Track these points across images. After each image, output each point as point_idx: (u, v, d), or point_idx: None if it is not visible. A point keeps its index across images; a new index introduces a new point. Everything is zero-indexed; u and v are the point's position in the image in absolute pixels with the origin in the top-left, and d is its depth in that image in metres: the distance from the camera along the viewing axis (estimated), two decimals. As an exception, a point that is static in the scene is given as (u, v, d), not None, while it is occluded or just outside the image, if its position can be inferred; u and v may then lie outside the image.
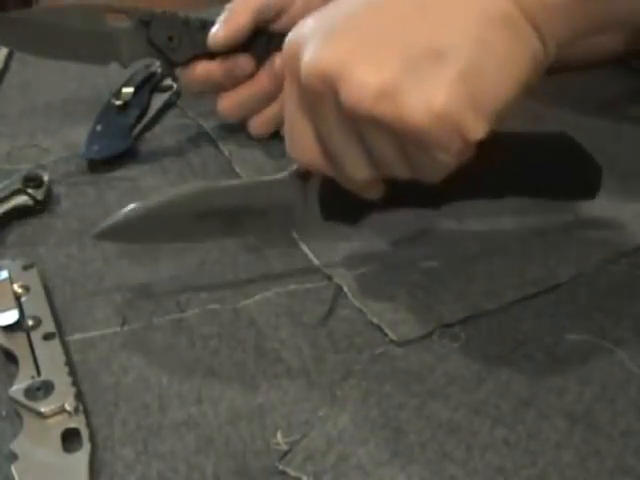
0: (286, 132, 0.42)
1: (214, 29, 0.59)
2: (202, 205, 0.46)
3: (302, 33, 0.39)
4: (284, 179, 0.45)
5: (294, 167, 0.45)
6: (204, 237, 0.49)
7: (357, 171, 0.40)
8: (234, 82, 0.61)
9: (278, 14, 0.60)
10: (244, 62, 0.60)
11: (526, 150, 0.48)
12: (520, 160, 0.47)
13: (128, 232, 0.46)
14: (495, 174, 0.46)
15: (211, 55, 0.59)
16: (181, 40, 0.60)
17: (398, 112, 0.36)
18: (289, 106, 0.41)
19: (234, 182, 0.47)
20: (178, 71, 0.63)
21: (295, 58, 0.39)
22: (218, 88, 0.61)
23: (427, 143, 0.37)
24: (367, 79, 0.36)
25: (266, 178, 0.46)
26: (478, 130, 0.36)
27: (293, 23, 0.60)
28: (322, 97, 0.38)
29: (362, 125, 0.38)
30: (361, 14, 0.38)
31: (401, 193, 0.43)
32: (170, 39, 0.60)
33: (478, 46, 0.36)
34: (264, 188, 0.46)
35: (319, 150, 0.41)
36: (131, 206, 0.46)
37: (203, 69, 0.60)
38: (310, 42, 0.38)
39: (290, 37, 0.40)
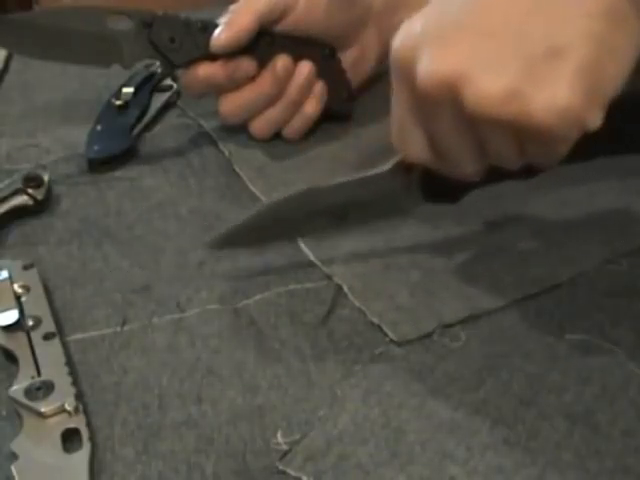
0: (394, 130, 0.43)
1: (217, 32, 0.59)
2: (311, 205, 0.48)
3: (412, 39, 0.40)
4: (388, 172, 0.46)
5: (396, 159, 0.45)
6: (311, 233, 0.51)
7: (469, 165, 0.42)
8: (236, 84, 0.61)
9: (281, 16, 0.60)
10: (246, 64, 0.60)
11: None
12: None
13: (241, 238, 0.49)
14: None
15: (213, 57, 0.59)
16: (183, 42, 0.59)
17: (524, 113, 0.37)
18: (399, 109, 0.42)
19: (341, 180, 0.48)
20: (179, 73, 0.63)
21: (407, 65, 0.40)
22: (219, 90, 0.61)
23: (550, 138, 0.38)
24: (491, 85, 0.37)
25: (370, 173, 0.47)
26: (596, 119, 0.38)
27: (296, 25, 0.60)
28: (440, 103, 0.39)
29: (483, 126, 0.39)
30: (472, 16, 0.39)
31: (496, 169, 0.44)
32: (172, 41, 0.60)
33: (592, 39, 0.37)
34: (369, 183, 0.47)
35: (429, 148, 0.42)
36: (243, 215, 0.49)
37: (205, 71, 0.60)
38: (424, 49, 0.39)
39: (399, 43, 0.40)
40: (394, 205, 0.48)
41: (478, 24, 0.39)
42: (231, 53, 0.59)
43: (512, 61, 0.37)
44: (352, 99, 0.65)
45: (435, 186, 0.46)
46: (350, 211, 0.48)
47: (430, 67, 0.38)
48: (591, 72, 0.37)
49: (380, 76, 0.65)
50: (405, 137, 0.42)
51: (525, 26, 0.38)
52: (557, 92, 0.37)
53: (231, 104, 0.61)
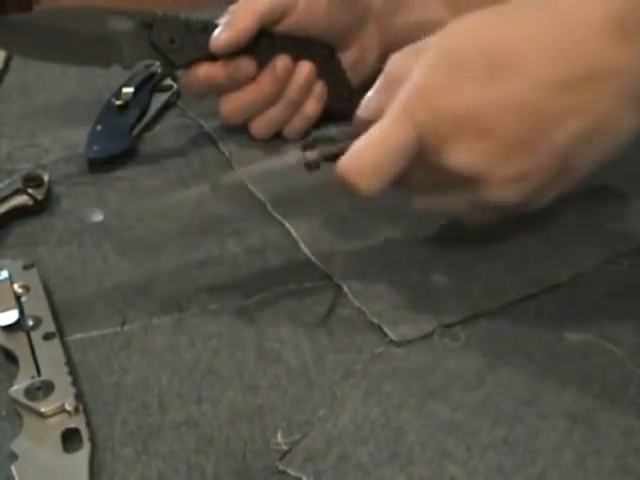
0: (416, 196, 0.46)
1: (216, 32, 0.59)
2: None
3: (443, 119, 0.41)
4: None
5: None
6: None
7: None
8: (236, 84, 0.61)
9: (281, 16, 0.60)
10: (246, 65, 0.60)
11: None
12: None
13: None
14: None
15: (213, 57, 0.59)
16: (183, 42, 0.59)
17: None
18: (417, 176, 0.44)
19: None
20: (179, 73, 0.63)
21: (436, 148, 0.41)
22: (220, 90, 0.61)
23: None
24: (510, 193, 0.42)
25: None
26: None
27: (296, 25, 0.60)
28: (458, 185, 0.43)
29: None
30: (511, 111, 0.41)
31: None
32: (172, 41, 0.60)
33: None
34: None
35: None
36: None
37: (205, 72, 0.60)
38: (459, 139, 0.41)
39: (429, 119, 0.41)
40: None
41: (513, 123, 0.41)
42: (231, 53, 0.59)
43: (536, 173, 0.42)
44: (353, 99, 0.65)
45: None
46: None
47: (462, 160, 0.41)
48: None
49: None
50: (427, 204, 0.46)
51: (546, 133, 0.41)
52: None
53: (231, 104, 0.61)
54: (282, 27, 0.60)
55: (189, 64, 0.60)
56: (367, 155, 0.43)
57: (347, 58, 0.64)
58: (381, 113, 0.43)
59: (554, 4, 0.41)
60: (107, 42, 0.60)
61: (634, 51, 0.39)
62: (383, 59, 0.66)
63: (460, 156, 0.41)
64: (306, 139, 0.46)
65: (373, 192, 0.43)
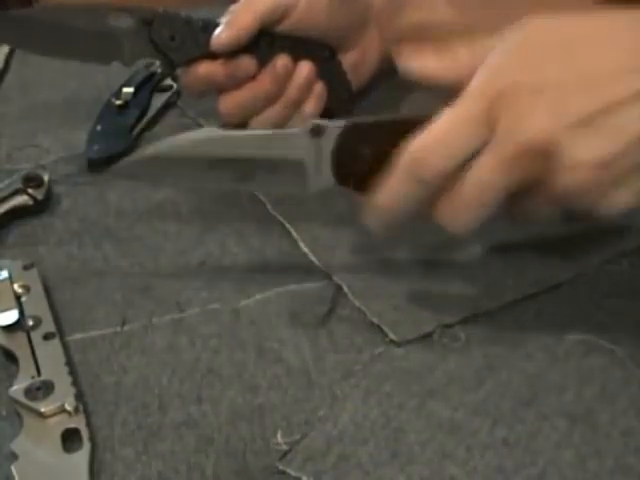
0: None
1: (217, 31, 0.59)
2: (214, 151, 0.46)
3: (520, 90, 0.40)
4: (298, 133, 0.45)
5: (309, 124, 0.44)
6: (213, 184, 0.49)
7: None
8: (236, 83, 0.61)
9: (282, 16, 0.60)
10: (246, 64, 0.60)
11: None
12: None
13: (139, 171, 0.47)
14: None
15: (213, 56, 0.59)
16: (183, 40, 0.59)
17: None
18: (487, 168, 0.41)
19: (248, 132, 0.46)
20: (179, 71, 0.63)
21: (510, 122, 0.39)
22: (219, 89, 0.61)
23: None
24: (583, 180, 0.39)
25: (280, 130, 0.46)
26: None
27: (297, 25, 0.60)
28: (529, 167, 0.40)
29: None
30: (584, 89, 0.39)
31: None
32: (172, 39, 0.59)
33: None
34: (277, 140, 0.46)
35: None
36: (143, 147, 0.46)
37: (205, 70, 0.60)
38: (536, 109, 0.39)
39: (505, 91, 0.40)
40: (303, 176, 0.44)
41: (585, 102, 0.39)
42: (231, 52, 0.59)
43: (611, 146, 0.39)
44: (353, 101, 0.65)
45: (348, 168, 0.44)
46: (256, 170, 0.45)
47: (540, 127, 0.39)
48: None
49: (381, 76, 0.65)
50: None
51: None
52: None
53: (230, 103, 0.61)
54: (283, 27, 0.60)
55: (189, 62, 0.60)
56: (435, 129, 0.41)
57: (348, 59, 0.64)
58: None
59: (625, 11, 0.41)
60: (107, 39, 0.60)
61: None
62: (383, 61, 0.66)
63: (536, 125, 0.39)
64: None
65: (437, 171, 0.40)
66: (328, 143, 0.44)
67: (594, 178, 0.39)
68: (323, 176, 0.45)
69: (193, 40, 0.59)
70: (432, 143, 0.41)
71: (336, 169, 0.44)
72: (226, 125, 0.63)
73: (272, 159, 0.45)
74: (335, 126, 0.44)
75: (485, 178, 0.40)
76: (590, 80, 0.39)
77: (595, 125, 0.39)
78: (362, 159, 0.43)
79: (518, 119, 0.39)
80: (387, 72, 0.65)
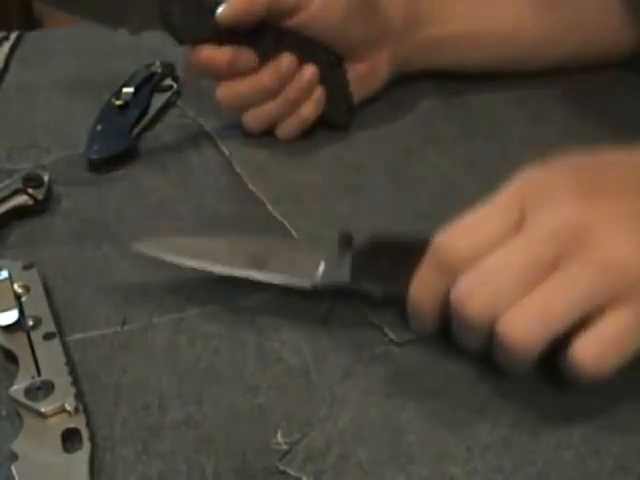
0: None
1: (226, 4, 0.58)
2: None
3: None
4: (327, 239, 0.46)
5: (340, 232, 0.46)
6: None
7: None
8: (235, 73, 0.60)
9: (293, 9, 0.59)
10: (248, 55, 0.60)
11: None
12: None
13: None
14: None
15: (220, 41, 0.59)
16: (193, 19, 0.59)
17: None
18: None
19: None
20: (183, 51, 0.62)
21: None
22: (219, 76, 0.61)
23: None
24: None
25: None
26: None
27: (308, 24, 0.60)
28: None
29: None
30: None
31: None
32: (183, 16, 0.59)
33: None
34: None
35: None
36: None
37: (208, 54, 0.60)
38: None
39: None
40: (316, 274, 0.45)
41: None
42: (237, 41, 0.59)
43: None
44: (352, 112, 0.64)
45: (363, 275, 0.45)
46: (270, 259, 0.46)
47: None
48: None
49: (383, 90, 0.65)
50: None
51: None
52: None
53: (229, 91, 0.61)
54: (292, 23, 0.59)
55: (195, 42, 0.60)
56: (462, 221, 0.41)
57: (355, 70, 0.63)
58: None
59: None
60: (118, 4, 0.60)
61: None
62: (392, 76, 0.65)
63: (567, 213, 0.39)
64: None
65: (460, 256, 0.40)
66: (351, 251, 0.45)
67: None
68: (340, 273, 0.45)
69: (202, 21, 0.59)
70: (458, 232, 0.41)
71: (353, 273, 0.45)
72: (225, 111, 0.62)
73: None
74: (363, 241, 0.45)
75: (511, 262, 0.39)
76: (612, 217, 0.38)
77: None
78: (382, 270, 0.44)
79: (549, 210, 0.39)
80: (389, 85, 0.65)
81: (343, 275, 0.44)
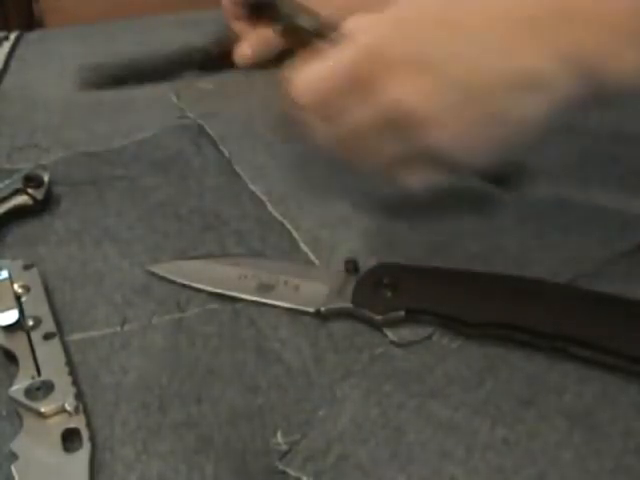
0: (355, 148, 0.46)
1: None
2: None
3: (387, 51, 0.42)
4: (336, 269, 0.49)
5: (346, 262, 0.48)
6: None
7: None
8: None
9: None
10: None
11: None
12: None
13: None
14: None
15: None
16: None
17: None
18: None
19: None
20: None
21: (377, 79, 0.42)
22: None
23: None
24: (446, 133, 0.42)
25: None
26: None
27: None
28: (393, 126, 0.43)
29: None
30: (446, 52, 0.41)
31: None
32: None
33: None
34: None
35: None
36: None
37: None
38: (400, 73, 0.41)
39: (370, 48, 0.42)
40: (320, 300, 0.47)
41: (450, 65, 0.41)
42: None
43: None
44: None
45: (364, 296, 0.46)
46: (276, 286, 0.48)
47: (400, 99, 0.41)
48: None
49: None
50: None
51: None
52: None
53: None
54: None
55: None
56: (313, 71, 0.44)
57: None
58: None
59: None
60: None
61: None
62: None
63: (398, 90, 0.41)
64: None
65: (302, 99, 0.45)
66: (356, 277, 0.47)
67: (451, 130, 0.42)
68: (342, 299, 0.46)
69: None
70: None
71: (355, 299, 0.46)
72: (226, 123, 0.63)
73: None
74: (369, 266, 0.48)
75: (357, 124, 0.44)
76: (455, 46, 0.41)
77: (453, 87, 0.41)
78: (383, 297, 0.46)
79: (381, 80, 0.42)
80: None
81: (345, 301, 0.46)
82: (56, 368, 0.42)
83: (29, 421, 0.40)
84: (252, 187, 0.58)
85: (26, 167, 0.58)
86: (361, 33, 0.43)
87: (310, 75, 0.44)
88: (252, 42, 0.68)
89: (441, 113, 0.41)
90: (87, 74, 0.70)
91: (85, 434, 0.39)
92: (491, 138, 0.42)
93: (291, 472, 0.38)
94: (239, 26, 0.71)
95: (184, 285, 0.49)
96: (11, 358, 0.43)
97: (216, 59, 0.73)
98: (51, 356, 0.43)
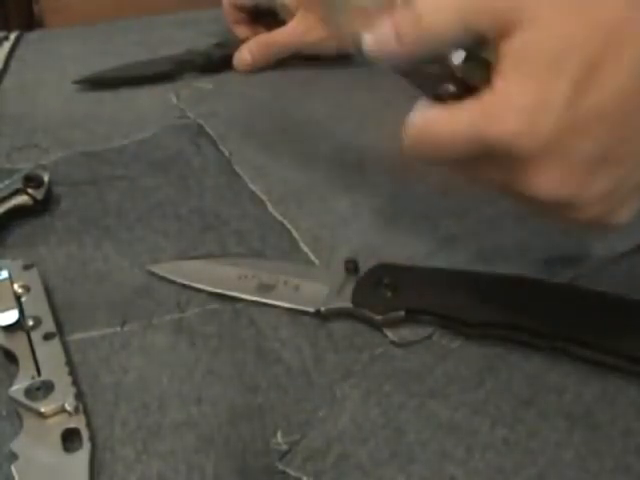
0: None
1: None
2: None
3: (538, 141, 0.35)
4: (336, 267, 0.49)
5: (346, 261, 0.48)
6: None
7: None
8: None
9: None
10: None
11: None
12: None
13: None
14: None
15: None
16: None
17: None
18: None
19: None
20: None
21: (517, 170, 0.36)
22: None
23: None
24: (595, 211, 0.37)
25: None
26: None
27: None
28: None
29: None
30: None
31: None
32: None
33: None
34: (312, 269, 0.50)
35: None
36: None
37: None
38: (543, 168, 0.35)
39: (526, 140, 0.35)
40: (319, 299, 0.46)
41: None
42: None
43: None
44: None
45: (364, 296, 0.46)
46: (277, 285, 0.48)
47: (550, 192, 0.36)
48: None
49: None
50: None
51: None
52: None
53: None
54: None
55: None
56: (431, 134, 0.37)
57: None
58: None
59: None
60: None
61: None
62: None
63: (543, 187, 0.36)
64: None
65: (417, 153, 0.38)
66: (356, 277, 0.47)
67: (604, 205, 0.37)
68: (342, 299, 0.46)
69: None
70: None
71: (355, 298, 0.46)
72: (226, 123, 0.63)
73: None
74: (369, 266, 0.47)
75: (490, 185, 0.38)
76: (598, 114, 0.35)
77: (604, 163, 0.36)
78: (383, 297, 0.46)
79: (525, 173, 0.36)
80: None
81: (345, 301, 0.46)
82: (56, 368, 0.42)
83: (29, 421, 0.40)
84: (252, 187, 0.58)
85: (26, 167, 0.58)
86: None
87: (428, 130, 0.37)
88: (252, 48, 0.68)
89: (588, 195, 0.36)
90: (86, 77, 0.71)
91: (85, 434, 0.39)
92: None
93: (291, 472, 0.38)
94: (240, 30, 0.71)
95: (184, 285, 0.49)
96: (11, 358, 0.43)
97: (218, 62, 0.73)
98: (51, 356, 0.43)
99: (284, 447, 0.39)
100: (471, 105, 0.36)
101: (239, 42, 0.71)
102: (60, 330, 0.45)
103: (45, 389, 0.41)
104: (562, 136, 0.35)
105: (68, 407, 0.40)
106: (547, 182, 0.36)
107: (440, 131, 0.37)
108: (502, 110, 0.35)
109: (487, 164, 0.37)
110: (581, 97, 0.34)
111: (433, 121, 0.37)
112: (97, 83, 0.69)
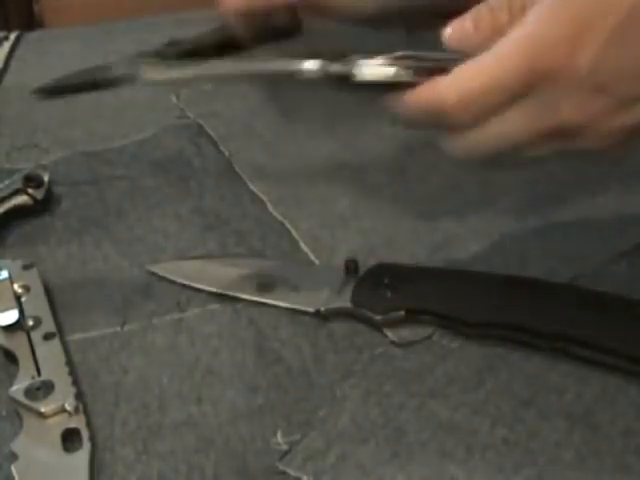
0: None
1: None
2: None
3: (561, 73, 0.38)
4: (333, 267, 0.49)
5: (346, 261, 0.48)
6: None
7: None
8: None
9: None
10: None
11: None
12: None
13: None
14: None
15: None
16: None
17: None
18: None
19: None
20: None
21: (548, 98, 0.38)
22: None
23: None
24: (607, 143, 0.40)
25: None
26: None
27: None
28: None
29: None
30: None
31: None
32: None
33: None
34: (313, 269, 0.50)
35: None
36: None
37: None
38: (575, 92, 0.38)
39: (545, 70, 0.38)
40: (319, 299, 0.47)
41: None
42: None
43: None
44: None
45: (364, 296, 0.46)
46: (277, 284, 0.48)
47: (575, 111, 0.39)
48: None
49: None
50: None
51: None
52: None
53: None
54: None
55: None
56: (474, 81, 0.39)
57: None
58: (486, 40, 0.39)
59: None
60: None
61: None
62: None
63: (572, 109, 0.38)
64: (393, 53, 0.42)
65: (461, 122, 0.40)
66: (356, 277, 0.47)
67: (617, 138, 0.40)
68: (342, 299, 0.46)
69: None
70: (467, 98, 0.39)
71: (355, 298, 0.46)
72: (226, 123, 0.62)
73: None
74: (369, 266, 0.47)
75: (510, 135, 0.40)
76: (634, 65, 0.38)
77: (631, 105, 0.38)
78: (383, 297, 0.45)
79: (554, 98, 0.38)
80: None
81: (345, 301, 0.46)
82: (56, 368, 0.42)
83: (29, 421, 0.40)
84: (252, 187, 0.58)
85: (26, 167, 0.58)
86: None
87: (466, 83, 0.39)
88: None
89: (607, 126, 0.39)
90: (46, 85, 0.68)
91: (85, 434, 0.39)
92: None
93: (291, 472, 0.38)
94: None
95: (184, 285, 0.49)
96: (11, 358, 0.43)
97: (210, 48, 0.71)
98: (51, 356, 0.43)
99: (284, 447, 0.39)
100: (517, 38, 0.38)
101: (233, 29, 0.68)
102: (60, 330, 0.45)
103: (45, 389, 0.41)
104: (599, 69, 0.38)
105: (68, 407, 0.40)
106: (574, 106, 0.38)
107: (489, 73, 0.38)
108: (552, 40, 0.38)
109: (525, 104, 0.39)
110: (618, 45, 0.37)
111: (483, 65, 0.39)
112: (56, 92, 0.67)
